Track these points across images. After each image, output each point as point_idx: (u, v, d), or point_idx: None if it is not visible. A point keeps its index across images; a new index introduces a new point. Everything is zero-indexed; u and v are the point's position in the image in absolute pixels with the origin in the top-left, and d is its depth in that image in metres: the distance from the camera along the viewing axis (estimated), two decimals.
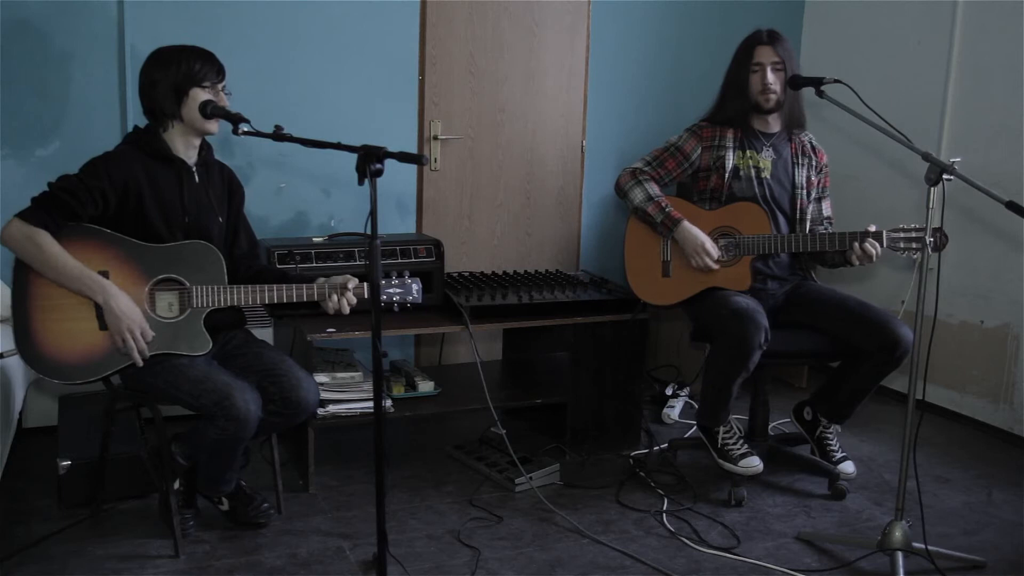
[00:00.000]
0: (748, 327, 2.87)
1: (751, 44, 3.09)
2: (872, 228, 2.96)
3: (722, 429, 3.08)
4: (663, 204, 3.10)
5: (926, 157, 2.44)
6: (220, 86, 2.54)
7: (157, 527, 2.70)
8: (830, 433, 3.25)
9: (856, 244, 2.96)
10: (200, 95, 2.48)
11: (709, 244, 3.07)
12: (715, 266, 3.07)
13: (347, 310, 2.53)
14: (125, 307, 2.39)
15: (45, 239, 2.34)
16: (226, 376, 2.47)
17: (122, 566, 2.50)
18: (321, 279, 2.55)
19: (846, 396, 3.12)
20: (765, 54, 3.06)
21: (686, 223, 3.08)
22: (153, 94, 2.50)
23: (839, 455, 3.21)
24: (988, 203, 2.50)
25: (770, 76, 3.05)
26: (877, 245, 2.95)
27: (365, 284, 2.50)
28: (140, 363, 2.44)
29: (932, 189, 2.42)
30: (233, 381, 2.45)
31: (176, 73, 2.48)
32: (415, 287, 2.56)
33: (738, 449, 3.05)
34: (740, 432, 3.16)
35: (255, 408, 2.43)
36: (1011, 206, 2.36)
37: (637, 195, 3.14)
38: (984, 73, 3.77)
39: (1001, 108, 3.69)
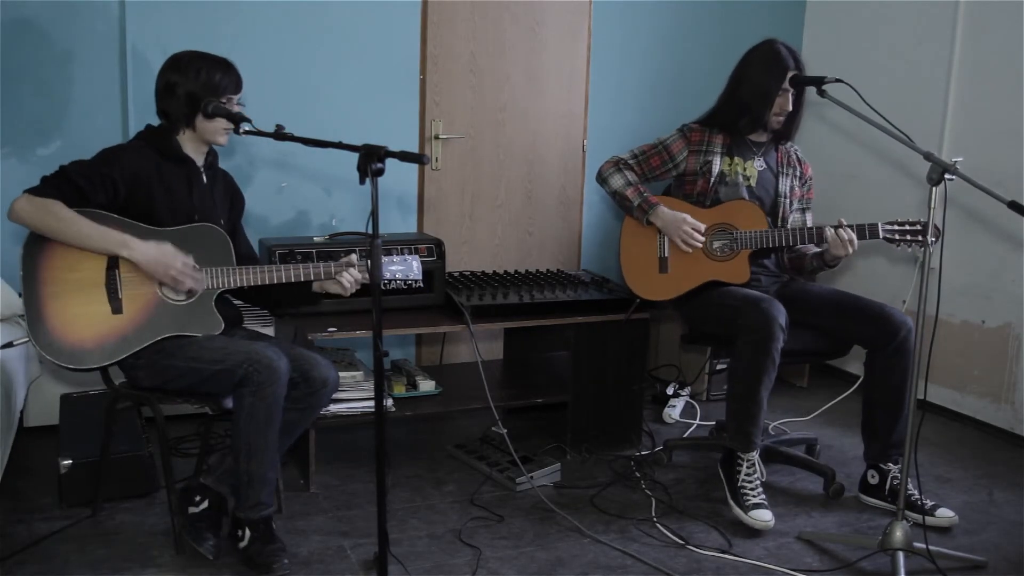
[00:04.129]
0: (768, 309, 2.83)
1: (784, 68, 3.00)
2: (843, 221, 2.96)
3: (745, 464, 2.91)
4: (641, 189, 3.11)
5: (928, 157, 2.44)
6: (236, 98, 2.54)
7: (158, 526, 2.70)
8: (899, 480, 2.83)
9: (830, 231, 2.94)
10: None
11: (691, 219, 3.05)
12: (701, 238, 3.04)
13: (356, 283, 2.58)
14: (155, 252, 2.40)
15: (58, 206, 2.34)
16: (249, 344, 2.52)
17: (123, 565, 2.50)
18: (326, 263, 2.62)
19: (883, 421, 2.99)
20: (789, 79, 3.03)
21: (662, 207, 3.07)
22: (169, 99, 2.51)
23: (930, 503, 2.92)
24: (990, 203, 2.50)
25: (790, 103, 3.05)
26: (848, 231, 2.93)
27: (368, 263, 2.54)
28: (200, 289, 2.47)
29: (934, 189, 2.41)
30: (258, 344, 2.51)
31: (195, 82, 2.48)
32: (415, 264, 2.63)
33: (754, 496, 2.87)
34: (763, 476, 2.97)
35: (285, 361, 2.44)
36: (1013, 206, 2.36)
37: (616, 180, 3.15)
38: (985, 73, 3.77)
39: (1002, 108, 3.68)
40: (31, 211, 2.33)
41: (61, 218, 2.34)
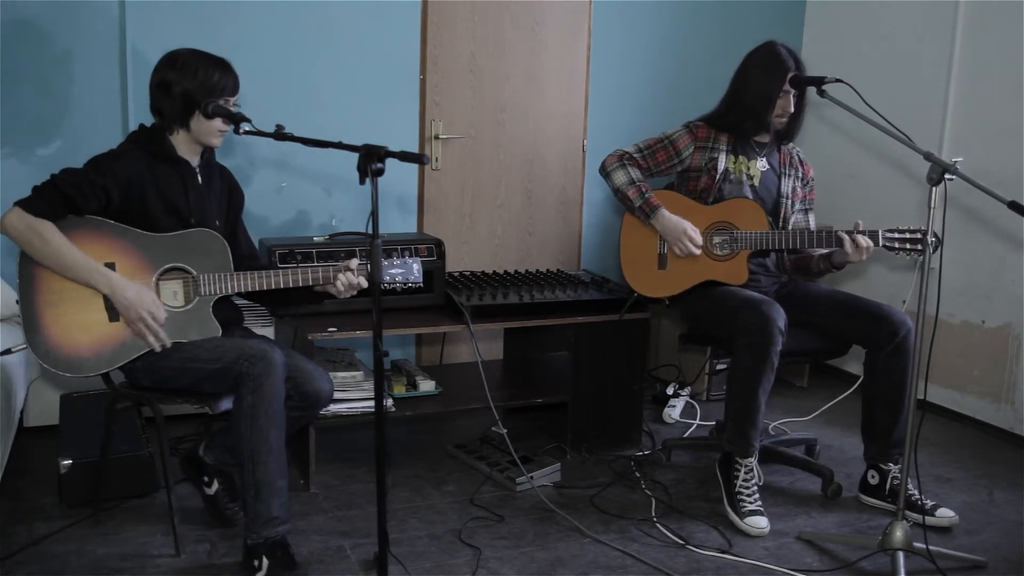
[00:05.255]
0: (767, 312, 2.83)
1: (784, 70, 2.99)
2: (860, 224, 2.96)
3: (743, 470, 2.91)
4: (643, 189, 3.10)
5: (928, 157, 2.44)
6: (233, 100, 2.52)
7: (158, 526, 2.71)
8: (899, 480, 2.86)
9: (847, 237, 2.94)
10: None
11: (691, 229, 3.06)
12: (697, 251, 3.05)
13: (355, 289, 2.56)
14: (133, 295, 2.38)
15: (48, 229, 2.32)
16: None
17: (123, 565, 2.50)
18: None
19: (883, 421, 2.98)
20: (789, 80, 3.01)
21: (664, 210, 3.07)
22: (163, 98, 2.48)
23: (930, 504, 2.93)
24: (989, 203, 2.50)
25: (792, 104, 3.04)
26: (867, 239, 2.93)
27: (367, 268, 2.53)
28: (158, 348, 2.43)
29: (934, 189, 2.41)
30: (251, 340, 2.53)
31: (192, 81, 2.44)
32: (416, 267, 2.62)
33: (751, 503, 2.87)
34: (760, 481, 2.99)
35: (279, 353, 2.42)
36: (1013, 206, 2.36)
37: (620, 177, 3.13)
38: (985, 73, 3.77)
39: (1002, 108, 3.69)
40: (21, 229, 2.31)
41: (48, 241, 2.32)
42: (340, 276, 2.55)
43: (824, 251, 3.10)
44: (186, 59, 2.47)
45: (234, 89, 2.51)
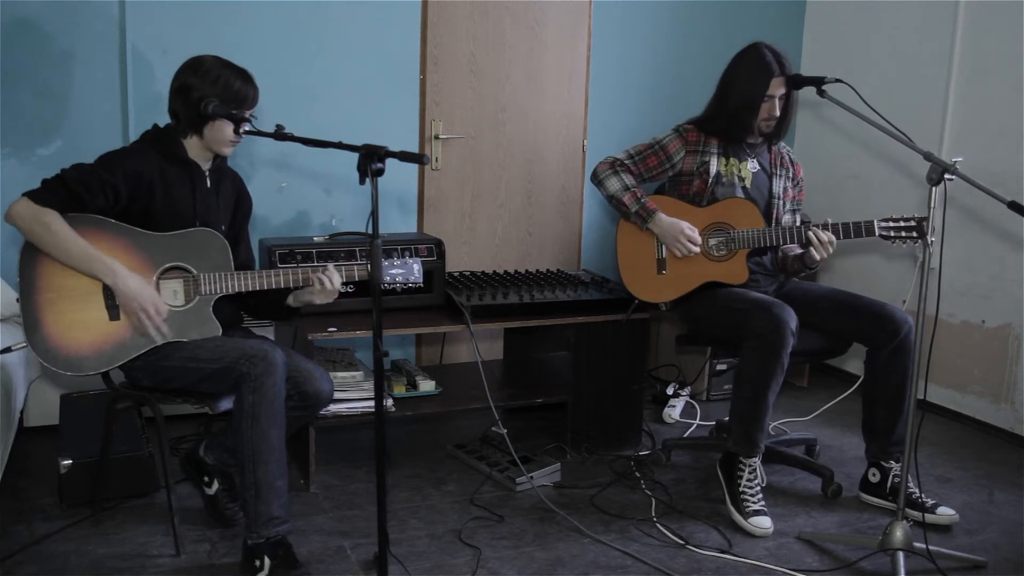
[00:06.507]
0: (779, 313, 2.81)
1: (768, 75, 2.97)
2: (829, 220, 2.96)
3: (747, 470, 2.91)
4: (639, 195, 3.10)
5: (928, 157, 2.44)
6: (250, 112, 2.51)
7: (158, 526, 2.71)
8: (900, 477, 2.79)
9: (809, 233, 2.94)
10: (225, 125, 2.45)
11: (688, 228, 3.05)
12: (697, 249, 3.05)
13: (335, 283, 2.54)
14: (136, 286, 2.38)
15: (54, 219, 2.32)
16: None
17: (123, 565, 2.50)
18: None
19: (884, 419, 2.98)
20: (777, 85, 2.99)
21: (661, 213, 3.07)
22: (180, 102, 2.47)
23: (930, 502, 2.93)
24: (989, 203, 2.50)
25: (778, 108, 3.03)
26: (829, 233, 2.93)
27: (367, 268, 2.53)
28: (159, 341, 2.43)
29: (934, 189, 2.41)
30: (252, 340, 2.53)
31: (212, 89, 2.44)
32: (416, 267, 2.62)
33: (754, 503, 2.86)
34: (763, 482, 2.98)
35: (280, 353, 2.42)
36: (1013, 206, 2.36)
37: (613, 184, 3.13)
38: (985, 73, 3.77)
39: (1002, 108, 3.69)
40: (26, 217, 2.32)
41: (53, 230, 2.32)
42: (320, 275, 2.53)
43: (799, 251, 3.10)
44: (209, 66, 2.46)
45: (253, 101, 2.51)
